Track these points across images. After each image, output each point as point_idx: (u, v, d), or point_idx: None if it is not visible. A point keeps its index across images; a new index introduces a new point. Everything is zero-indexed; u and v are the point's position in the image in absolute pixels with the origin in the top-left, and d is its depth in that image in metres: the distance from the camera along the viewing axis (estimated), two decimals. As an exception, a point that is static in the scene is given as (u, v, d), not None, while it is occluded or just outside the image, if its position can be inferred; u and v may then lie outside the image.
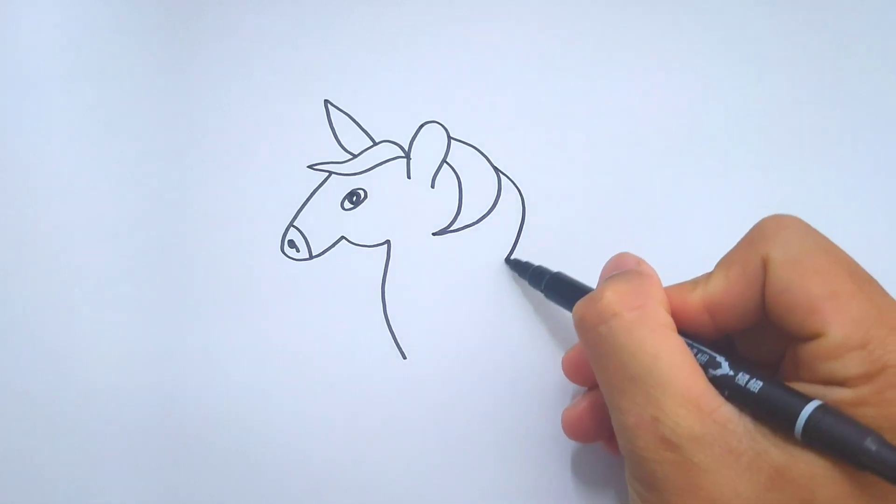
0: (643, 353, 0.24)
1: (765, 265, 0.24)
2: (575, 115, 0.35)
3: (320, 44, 0.37)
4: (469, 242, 0.34)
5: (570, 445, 0.32)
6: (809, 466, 0.22)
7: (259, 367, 0.34)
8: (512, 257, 0.34)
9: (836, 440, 0.22)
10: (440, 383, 0.33)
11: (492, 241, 0.34)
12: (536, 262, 0.33)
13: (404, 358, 0.34)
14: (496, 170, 0.35)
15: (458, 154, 0.35)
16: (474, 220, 0.35)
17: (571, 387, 0.32)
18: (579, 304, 0.26)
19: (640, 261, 0.28)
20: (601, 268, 0.29)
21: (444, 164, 0.35)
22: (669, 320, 0.25)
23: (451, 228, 0.35)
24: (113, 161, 0.36)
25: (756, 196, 0.34)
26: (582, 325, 0.26)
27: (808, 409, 0.22)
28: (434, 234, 0.35)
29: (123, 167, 0.36)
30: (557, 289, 0.31)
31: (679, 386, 0.23)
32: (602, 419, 0.29)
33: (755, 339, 0.27)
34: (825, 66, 0.35)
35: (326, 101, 0.36)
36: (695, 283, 0.26)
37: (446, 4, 0.37)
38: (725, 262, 0.26)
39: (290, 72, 0.36)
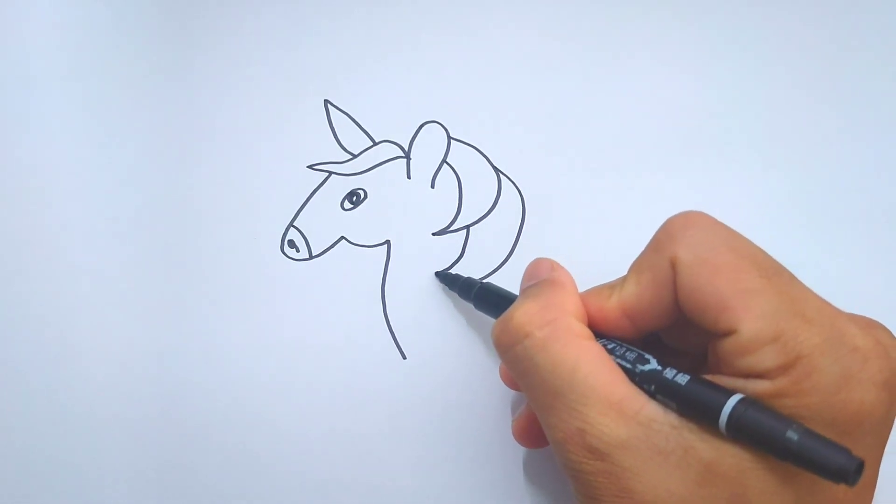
0: (561, 367, 0.24)
1: (673, 267, 0.24)
2: (575, 115, 0.35)
3: (320, 44, 0.37)
4: (469, 242, 0.35)
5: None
6: (737, 459, 0.23)
7: (259, 366, 0.34)
8: (441, 271, 0.34)
9: (758, 432, 0.22)
10: (440, 383, 0.33)
11: (492, 241, 0.34)
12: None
13: (404, 358, 0.34)
14: (496, 170, 0.35)
15: (458, 154, 0.35)
16: (474, 220, 0.35)
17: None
18: (494, 326, 0.27)
19: (553, 266, 0.28)
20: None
21: (444, 164, 0.35)
22: (583, 329, 0.25)
23: (451, 228, 0.35)
24: (113, 161, 0.36)
25: (756, 195, 0.34)
26: (499, 348, 0.26)
27: (731, 402, 0.22)
28: (434, 234, 0.35)
29: (124, 167, 0.36)
30: (486, 299, 0.31)
31: (600, 394, 0.23)
32: None
33: (679, 332, 0.27)
34: (825, 65, 0.35)
35: (326, 101, 0.36)
36: (611, 287, 0.27)
37: (446, 4, 0.37)
38: (636, 267, 0.26)
39: (290, 72, 0.36)
